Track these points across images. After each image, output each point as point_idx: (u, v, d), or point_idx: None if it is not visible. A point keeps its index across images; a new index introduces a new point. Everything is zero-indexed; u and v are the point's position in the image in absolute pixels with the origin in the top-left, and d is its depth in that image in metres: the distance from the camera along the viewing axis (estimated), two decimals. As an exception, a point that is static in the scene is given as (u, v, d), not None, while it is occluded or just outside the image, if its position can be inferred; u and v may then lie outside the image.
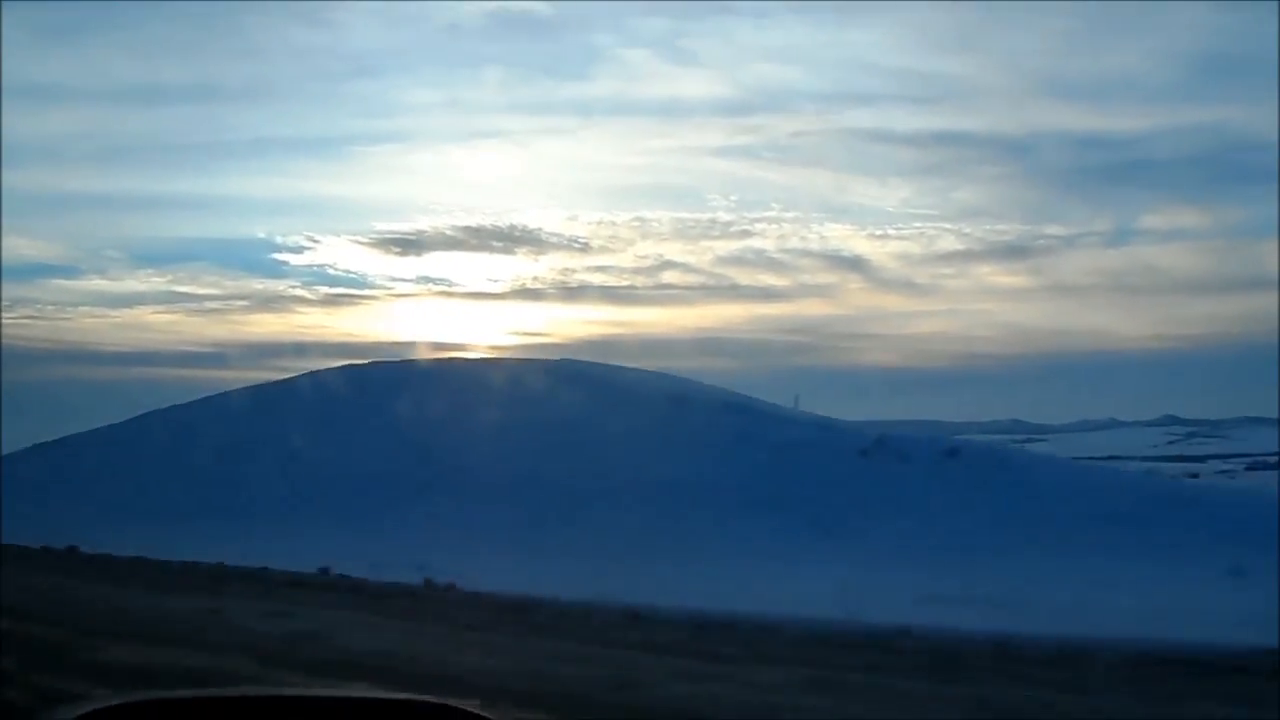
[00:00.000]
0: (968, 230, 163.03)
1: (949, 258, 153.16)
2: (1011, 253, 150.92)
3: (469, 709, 2.54)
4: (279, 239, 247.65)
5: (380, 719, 2.65)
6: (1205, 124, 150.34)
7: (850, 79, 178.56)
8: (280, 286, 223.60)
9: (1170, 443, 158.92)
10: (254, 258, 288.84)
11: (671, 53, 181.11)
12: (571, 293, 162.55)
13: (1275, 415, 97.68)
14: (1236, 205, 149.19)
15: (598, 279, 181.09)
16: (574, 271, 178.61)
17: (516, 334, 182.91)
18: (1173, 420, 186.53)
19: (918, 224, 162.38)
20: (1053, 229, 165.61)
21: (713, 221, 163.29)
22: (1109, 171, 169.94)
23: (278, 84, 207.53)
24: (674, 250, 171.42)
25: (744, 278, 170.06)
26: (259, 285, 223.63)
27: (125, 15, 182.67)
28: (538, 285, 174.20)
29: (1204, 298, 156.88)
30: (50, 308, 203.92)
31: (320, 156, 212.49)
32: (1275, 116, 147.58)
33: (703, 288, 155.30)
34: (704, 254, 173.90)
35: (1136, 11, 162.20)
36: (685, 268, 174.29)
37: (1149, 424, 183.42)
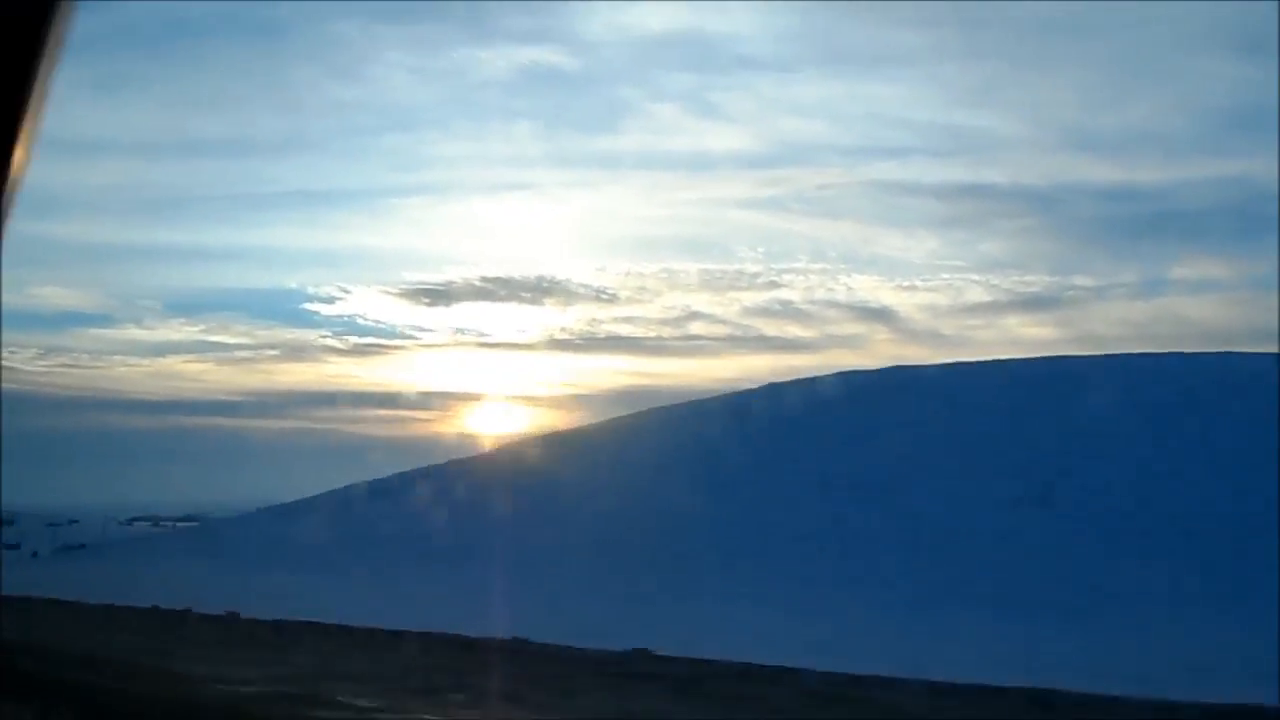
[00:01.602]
0: (995, 281, 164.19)
1: (976, 309, 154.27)
2: (1040, 304, 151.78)
3: None
4: (310, 289, 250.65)
5: None
6: (1232, 176, 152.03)
7: (876, 132, 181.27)
8: (310, 336, 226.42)
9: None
10: (285, 308, 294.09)
11: (698, 107, 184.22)
12: (599, 343, 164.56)
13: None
14: (1266, 257, 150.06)
15: (625, 330, 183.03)
16: (601, 322, 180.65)
17: (543, 384, 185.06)
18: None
19: (945, 275, 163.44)
20: (1081, 280, 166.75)
21: (740, 273, 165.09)
22: (1137, 223, 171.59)
23: (312, 137, 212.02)
24: (701, 301, 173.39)
25: (771, 329, 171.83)
26: (289, 335, 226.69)
27: (162, 70, 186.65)
28: (565, 336, 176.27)
29: (1232, 349, 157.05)
30: (85, 356, 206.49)
31: (352, 208, 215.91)
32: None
33: (729, 338, 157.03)
34: (731, 305, 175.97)
35: (1162, 64, 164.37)
36: (712, 318, 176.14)
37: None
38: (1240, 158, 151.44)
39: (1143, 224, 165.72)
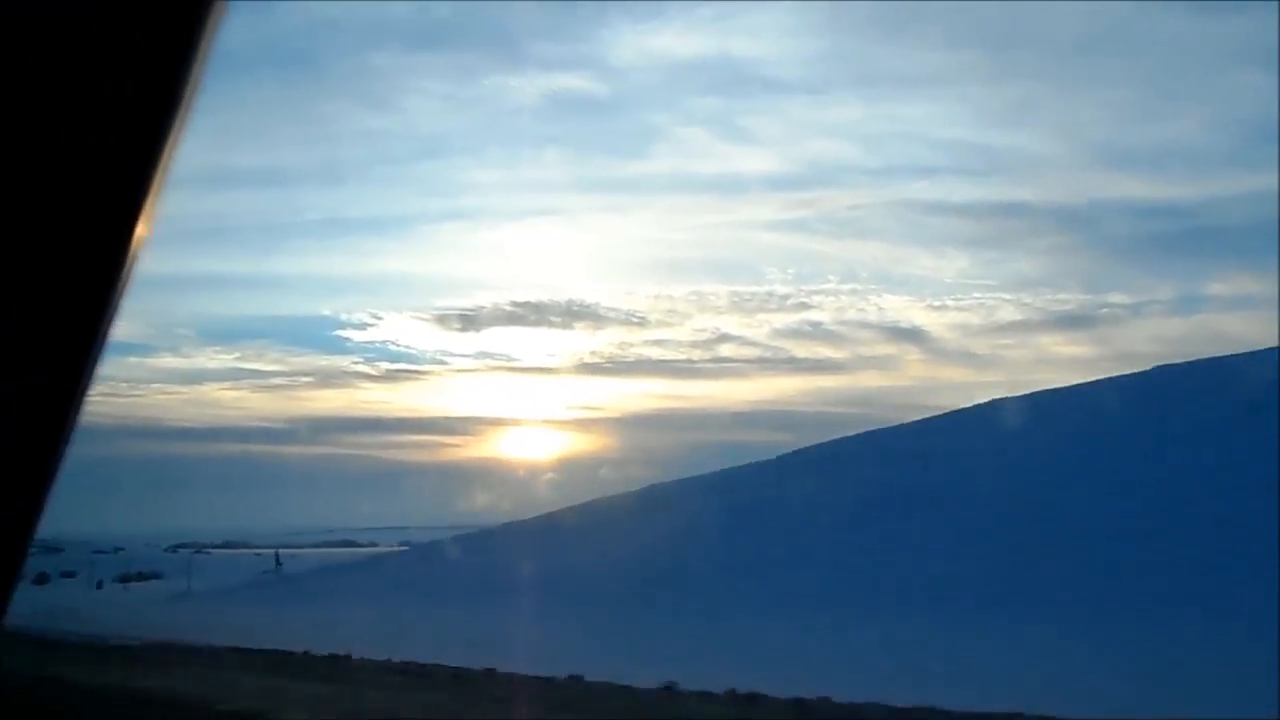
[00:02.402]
0: (1027, 300, 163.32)
1: (1009, 328, 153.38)
2: (1073, 322, 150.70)
3: None
4: (342, 316, 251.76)
5: None
6: (1268, 190, 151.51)
7: (906, 152, 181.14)
8: (343, 363, 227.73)
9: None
10: (318, 335, 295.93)
11: (727, 130, 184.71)
12: (629, 367, 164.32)
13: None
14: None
15: (655, 353, 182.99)
16: (631, 345, 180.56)
17: (575, 408, 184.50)
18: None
19: (976, 294, 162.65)
20: (1115, 298, 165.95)
21: (769, 294, 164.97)
22: (1171, 240, 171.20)
23: (345, 166, 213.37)
24: (731, 323, 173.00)
25: (801, 350, 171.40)
26: (322, 362, 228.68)
27: (197, 100, 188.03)
28: (595, 359, 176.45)
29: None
30: (124, 384, 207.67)
31: (384, 235, 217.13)
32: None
33: (760, 360, 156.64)
34: (761, 327, 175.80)
35: (1194, 79, 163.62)
36: (742, 340, 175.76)
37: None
38: (1275, 172, 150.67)
39: (1177, 240, 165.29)
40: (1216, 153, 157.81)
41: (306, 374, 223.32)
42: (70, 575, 74.63)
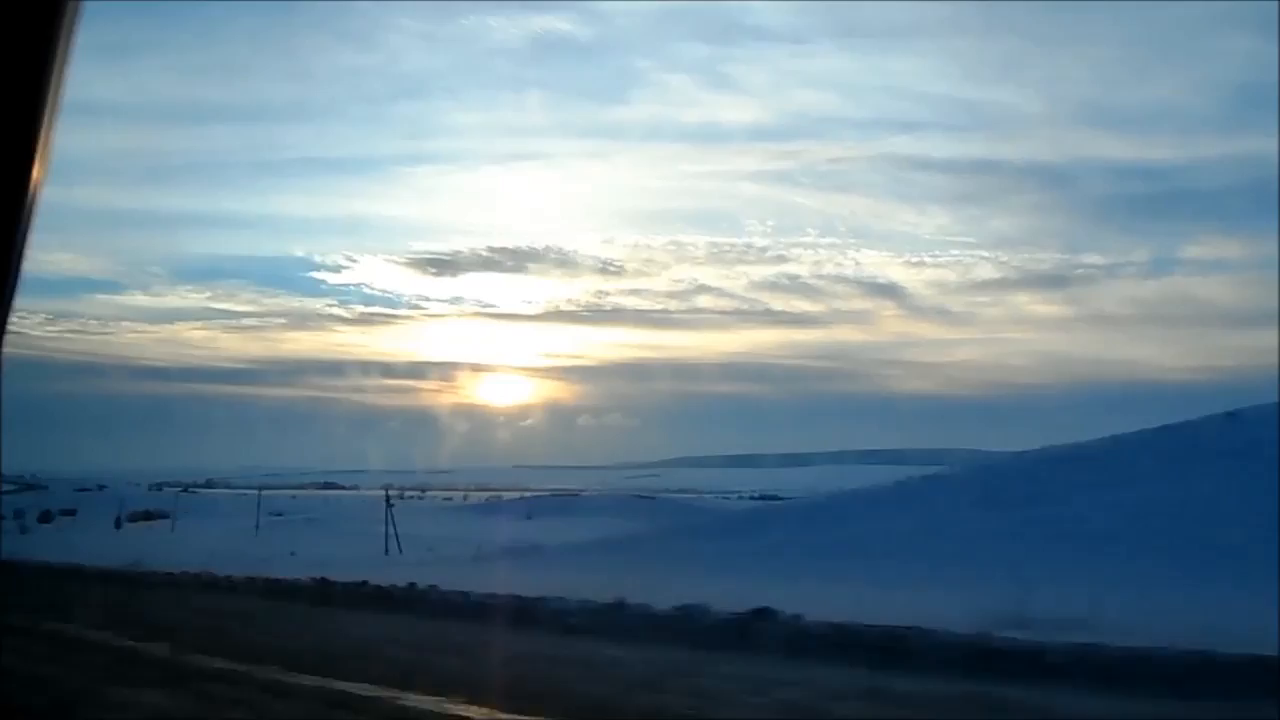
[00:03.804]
0: (1005, 258, 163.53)
1: (985, 286, 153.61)
2: (1049, 282, 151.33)
3: None
4: (317, 258, 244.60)
5: None
6: (1247, 154, 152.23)
7: (889, 106, 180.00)
8: (317, 305, 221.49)
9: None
10: (292, 276, 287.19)
11: (711, 78, 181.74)
12: (605, 315, 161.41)
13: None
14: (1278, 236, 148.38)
15: (631, 302, 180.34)
16: (608, 294, 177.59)
17: (549, 355, 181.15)
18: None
19: (954, 251, 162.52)
20: (1091, 258, 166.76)
21: (748, 246, 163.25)
22: (1149, 201, 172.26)
23: (322, 104, 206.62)
24: (708, 275, 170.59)
25: (778, 303, 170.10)
26: (296, 303, 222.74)
27: (173, 35, 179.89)
28: (571, 307, 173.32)
29: (1244, 329, 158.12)
30: (93, 322, 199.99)
31: (361, 176, 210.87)
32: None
33: (736, 312, 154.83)
34: (738, 279, 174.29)
35: (1177, 42, 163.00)
36: (719, 292, 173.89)
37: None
38: (1258, 136, 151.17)
39: (1157, 202, 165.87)
40: (1199, 115, 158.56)
41: (279, 315, 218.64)
42: (70, 513, 71.07)
